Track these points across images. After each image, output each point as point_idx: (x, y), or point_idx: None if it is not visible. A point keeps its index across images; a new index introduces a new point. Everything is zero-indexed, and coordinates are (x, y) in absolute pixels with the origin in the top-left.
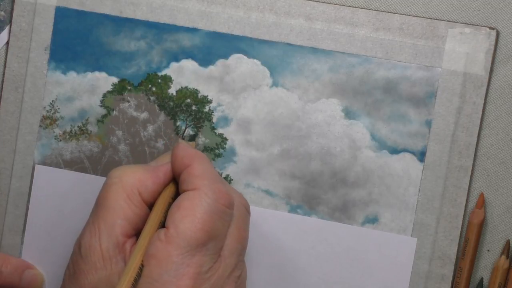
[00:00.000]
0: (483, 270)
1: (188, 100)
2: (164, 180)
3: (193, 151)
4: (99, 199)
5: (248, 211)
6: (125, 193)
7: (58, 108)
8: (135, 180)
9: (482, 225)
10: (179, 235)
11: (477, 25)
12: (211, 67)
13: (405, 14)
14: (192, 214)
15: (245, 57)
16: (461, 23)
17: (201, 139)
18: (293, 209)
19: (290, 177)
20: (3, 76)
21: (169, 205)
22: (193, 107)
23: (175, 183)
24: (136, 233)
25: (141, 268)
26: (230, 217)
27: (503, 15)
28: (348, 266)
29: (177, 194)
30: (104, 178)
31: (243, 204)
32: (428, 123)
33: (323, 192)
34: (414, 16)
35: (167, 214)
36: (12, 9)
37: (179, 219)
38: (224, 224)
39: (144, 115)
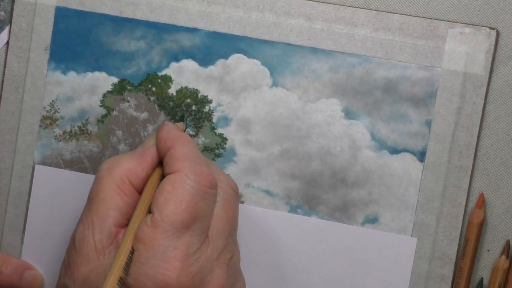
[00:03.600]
0: (483, 270)
1: (188, 100)
2: (152, 164)
3: (176, 133)
4: (90, 193)
5: (236, 193)
6: (115, 184)
7: (58, 108)
8: (123, 169)
9: (482, 225)
10: (163, 219)
11: (477, 25)
12: (211, 67)
13: (405, 14)
14: (174, 197)
15: (245, 57)
16: (461, 23)
17: (201, 139)
18: (293, 209)
19: (290, 177)
20: (3, 76)
21: (157, 187)
22: (193, 107)
23: (162, 166)
24: (128, 223)
25: (132, 252)
26: (214, 198)
27: (503, 15)
28: (348, 266)
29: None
30: None
31: (230, 186)
32: (428, 123)
33: (323, 192)
34: (414, 16)
35: (153, 198)
36: (12, 9)
37: (162, 203)
38: (208, 205)
39: (144, 115)
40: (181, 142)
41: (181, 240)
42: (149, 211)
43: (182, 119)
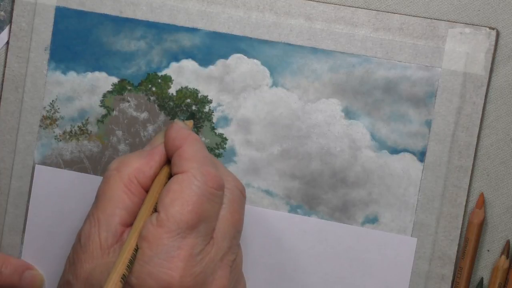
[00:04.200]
0: (483, 270)
1: (188, 100)
2: (160, 162)
3: (185, 132)
4: (98, 192)
5: (243, 195)
6: (123, 183)
7: (58, 108)
8: (132, 169)
9: (482, 225)
10: (169, 219)
11: (477, 25)
12: (211, 67)
13: (405, 14)
14: (181, 197)
15: (245, 57)
16: (461, 23)
17: (201, 139)
18: (293, 209)
19: (290, 177)
20: (3, 76)
21: (164, 185)
22: (193, 107)
23: (170, 164)
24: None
25: (137, 249)
26: (220, 199)
27: (503, 15)
28: (348, 266)
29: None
30: None
31: (238, 187)
32: (428, 123)
33: (323, 192)
34: (414, 16)
35: (159, 197)
36: (12, 9)
37: (168, 202)
38: (214, 206)
39: (144, 115)
40: (189, 141)
41: (185, 240)
42: (155, 209)
43: (192, 117)
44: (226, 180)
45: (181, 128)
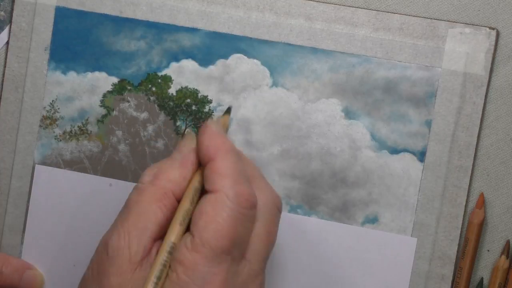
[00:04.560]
0: (483, 270)
1: (188, 100)
2: (192, 170)
3: (219, 141)
4: (130, 202)
5: (279, 210)
6: (157, 198)
7: (58, 108)
8: (166, 182)
9: (482, 225)
10: (204, 245)
11: (477, 25)
12: (211, 67)
13: (405, 14)
14: (215, 220)
15: (245, 57)
16: (461, 23)
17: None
18: (293, 209)
19: (290, 177)
20: (3, 76)
21: (196, 190)
22: (193, 107)
23: (202, 169)
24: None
25: (167, 266)
26: (253, 218)
27: (503, 15)
28: (348, 266)
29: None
30: (104, 178)
31: (274, 203)
32: (428, 123)
33: (323, 192)
34: (414, 16)
35: (192, 217)
36: (12, 9)
37: (202, 226)
38: (247, 227)
39: (144, 115)
40: (223, 153)
41: (220, 266)
42: (188, 227)
43: (229, 111)
44: (262, 193)
45: (215, 134)
